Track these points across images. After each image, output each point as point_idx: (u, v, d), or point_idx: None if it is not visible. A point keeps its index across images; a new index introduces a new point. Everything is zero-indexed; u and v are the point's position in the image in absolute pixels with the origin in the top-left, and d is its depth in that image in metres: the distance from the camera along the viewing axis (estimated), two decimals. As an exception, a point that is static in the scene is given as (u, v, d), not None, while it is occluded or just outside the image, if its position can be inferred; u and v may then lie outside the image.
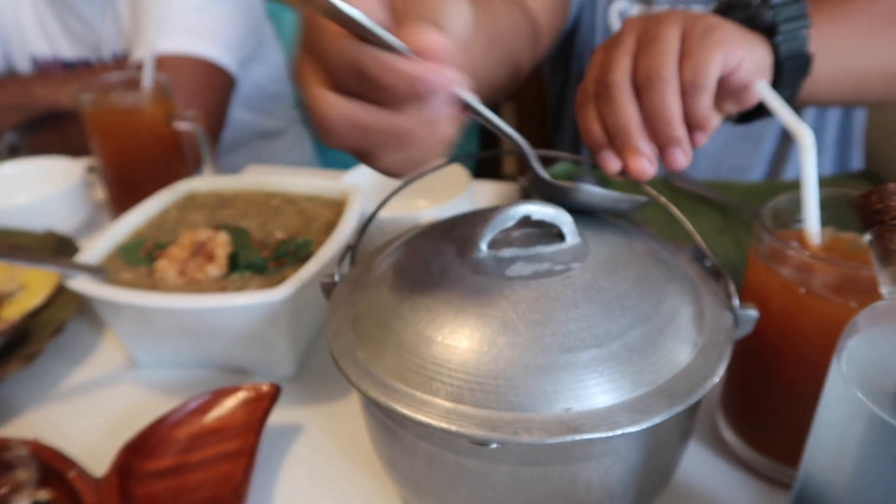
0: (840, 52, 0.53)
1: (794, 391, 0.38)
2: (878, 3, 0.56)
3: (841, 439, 0.27)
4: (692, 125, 0.42)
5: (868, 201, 0.28)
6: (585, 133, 0.44)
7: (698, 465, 0.43)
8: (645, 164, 0.41)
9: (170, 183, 0.64)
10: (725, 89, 0.44)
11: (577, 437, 0.29)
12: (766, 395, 0.41)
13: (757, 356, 0.40)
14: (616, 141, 0.42)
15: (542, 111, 0.98)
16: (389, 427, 0.35)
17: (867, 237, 0.28)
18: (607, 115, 0.42)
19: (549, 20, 0.78)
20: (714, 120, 0.44)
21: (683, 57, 0.41)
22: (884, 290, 0.28)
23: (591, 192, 0.39)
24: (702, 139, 0.42)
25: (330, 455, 0.46)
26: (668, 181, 0.71)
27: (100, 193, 0.81)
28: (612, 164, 0.42)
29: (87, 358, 0.56)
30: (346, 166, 0.94)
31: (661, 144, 0.42)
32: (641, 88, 0.41)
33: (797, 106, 0.46)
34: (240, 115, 1.09)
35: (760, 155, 0.82)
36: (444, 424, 0.30)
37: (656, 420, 0.29)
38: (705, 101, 0.41)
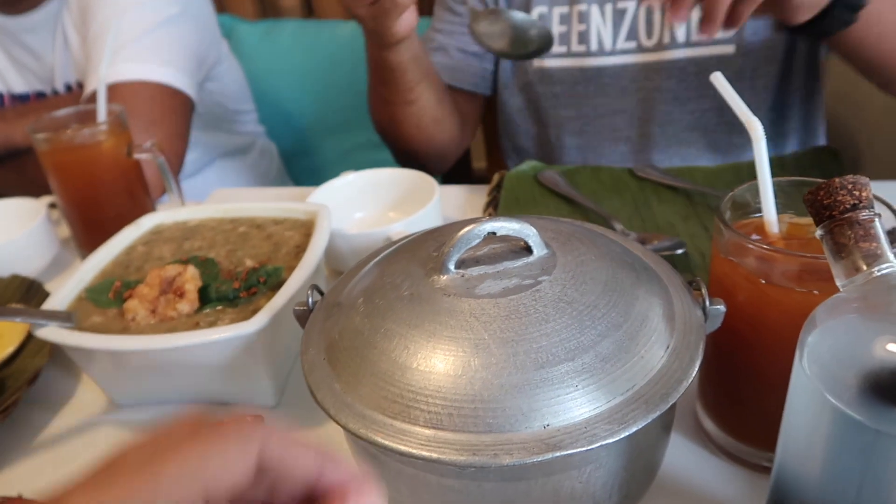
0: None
1: (764, 379, 0.39)
2: None
3: (809, 433, 0.28)
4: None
5: (816, 197, 0.28)
6: None
7: (681, 455, 0.44)
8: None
9: (136, 214, 0.64)
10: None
11: (558, 454, 0.29)
12: (738, 385, 0.41)
13: (727, 347, 0.40)
14: None
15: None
16: (372, 453, 0.36)
17: (818, 232, 0.29)
18: None
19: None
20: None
21: None
22: (838, 282, 0.29)
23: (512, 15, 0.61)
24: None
25: (319, 480, 0.46)
26: (632, 172, 0.72)
27: (65, 230, 0.79)
28: None
29: (66, 403, 0.55)
30: (314, 175, 0.92)
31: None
32: None
33: (829, 46, 0.59)
34: (202, 136, 1.07)
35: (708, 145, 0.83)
36: (424, 452, 0.30)
37: (633, 429, 0.30)
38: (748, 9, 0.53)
